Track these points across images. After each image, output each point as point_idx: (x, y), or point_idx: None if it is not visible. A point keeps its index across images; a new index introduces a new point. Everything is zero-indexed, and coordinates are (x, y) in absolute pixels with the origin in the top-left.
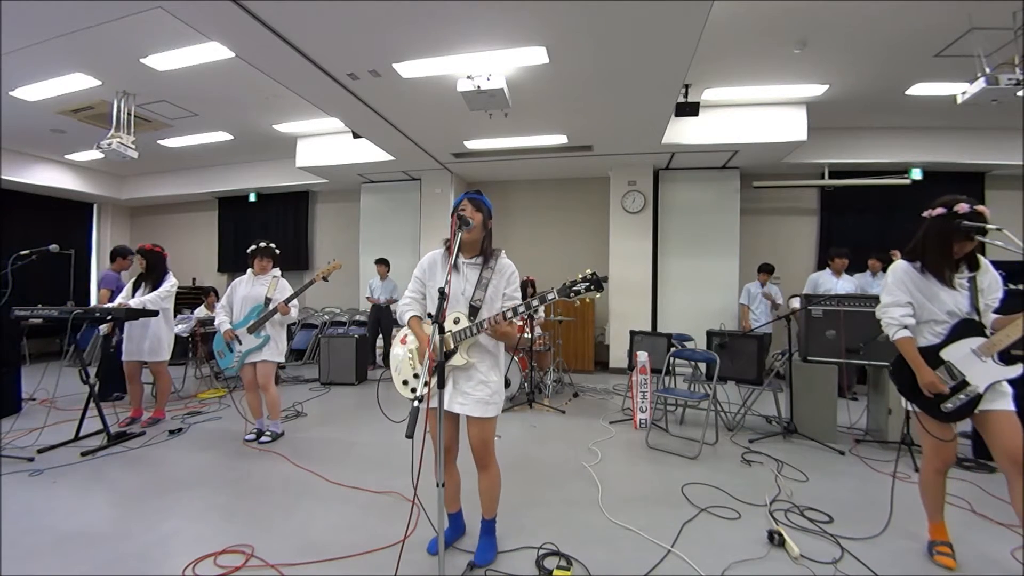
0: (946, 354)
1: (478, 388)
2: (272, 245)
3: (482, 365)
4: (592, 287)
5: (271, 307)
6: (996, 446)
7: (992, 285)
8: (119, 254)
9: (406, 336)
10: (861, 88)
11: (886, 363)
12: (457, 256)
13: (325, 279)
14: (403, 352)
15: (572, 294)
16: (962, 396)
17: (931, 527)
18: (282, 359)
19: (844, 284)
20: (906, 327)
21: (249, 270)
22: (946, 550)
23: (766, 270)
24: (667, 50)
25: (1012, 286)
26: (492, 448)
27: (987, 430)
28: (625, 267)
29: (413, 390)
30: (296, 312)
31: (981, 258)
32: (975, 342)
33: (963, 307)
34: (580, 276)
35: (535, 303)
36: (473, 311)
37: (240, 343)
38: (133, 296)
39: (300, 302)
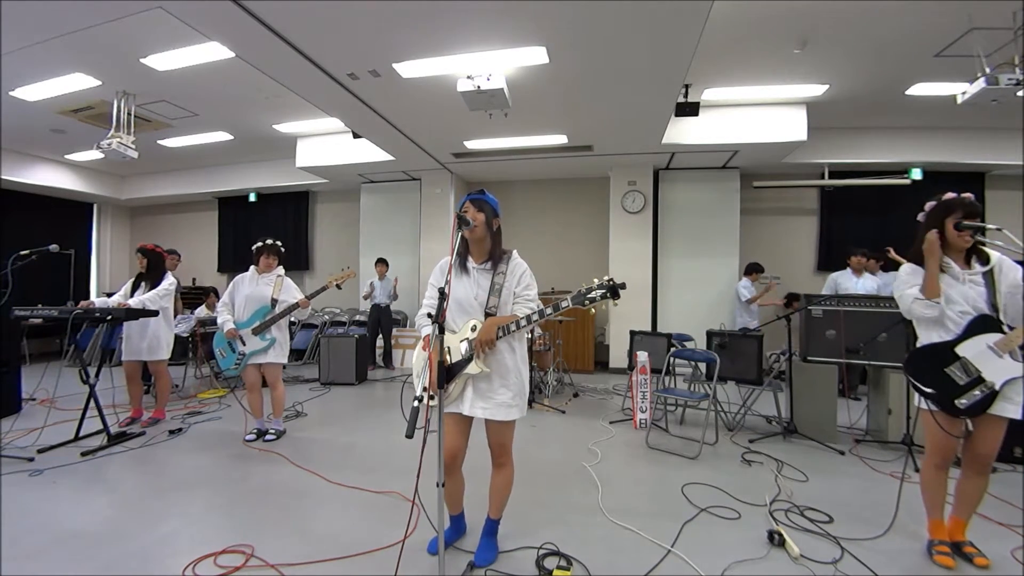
0: (962, 350)
1: (500, 392)
2: (278, 243)
3: (500, 370)
4: (608, 294)
5: (277, 308)
6: (974, 444)
7: (1009, 278)
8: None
9: (426, 344)
10: (861, 88)
11: (886, 363)
12: (467, 260)
13: (338, 287)
14: (424, 359)
15: (587, 302)
16: (977, 392)
17: (930, 524)
18: (286, 360)
19: (865, 283)
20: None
21: (252, 268)
22: (945, 549)
23: (758, 270)
24: (667, 50)
25: None
26: (510, 449)
27: (975, 426)
28: (625, 267)
29: (425, 396)
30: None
31: (991, 251)
32: (991, 338)
33: (977, 303)
34: (596, 282)
35: (549, 311)
36: (488, 318)
37: (243, 343)
38: (132, 296)
39: None
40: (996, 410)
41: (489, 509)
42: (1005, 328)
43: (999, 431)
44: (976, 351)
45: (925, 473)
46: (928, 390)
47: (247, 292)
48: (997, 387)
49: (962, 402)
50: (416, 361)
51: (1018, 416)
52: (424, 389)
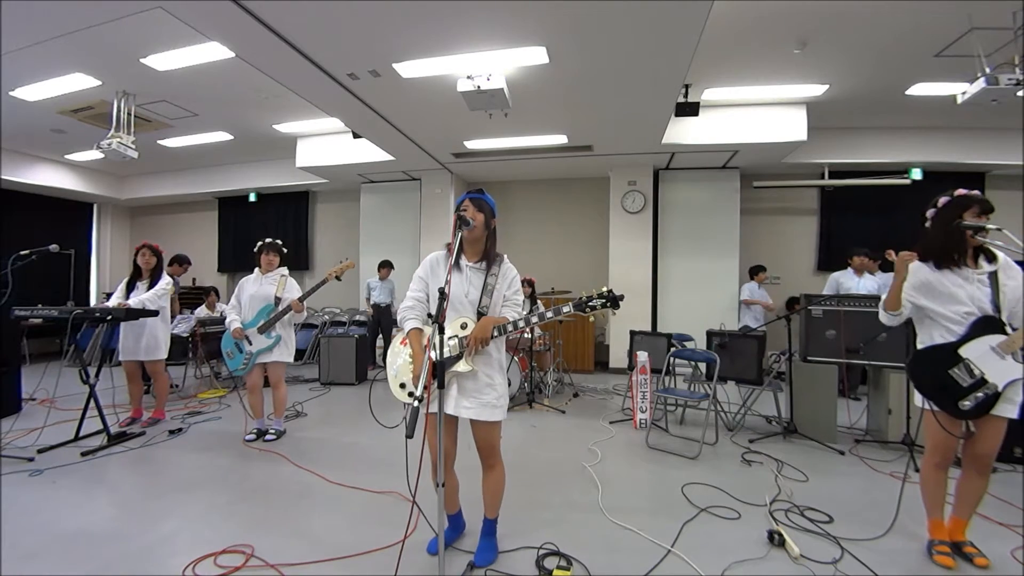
0: (965, 351)
1: (485, 392)
2: (279, 242)
3: (487, 368)
4: (608, 304)
5: (281, 306)
6: (975, 444)
7: (1013, 279)
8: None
9: (406, 339)
10: (861, 88)
11: (886, 363)
12: (460, 257)
13: (338, 278)
14: (403, 356)
15: (587, 309)
16: (980, 394)
17: (930, 524)
18: (291, 359)
19: (866, 283)
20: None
21: (256, 269)
22: (946, 549)
23: (763, 270)
24: (667, 50)
25: None
26: (498, 449)
27: (976, 427)
28: (625, 267)
29: (410, 393)
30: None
31: (998, 252)
32: (995, 339)
33: (983, 303)
34: (596, 292)
35: (549, 314)
36: (480, 317)
37: (250, 343)
38: (128, 296)
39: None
40: (997, 411)
41: (485, 510)
42: (1008, 329)
43: (1000, 431)
44: (979, 352)
45: (925, 472)
46: (931, 393)
47: (251, 292)
48: (1000, 388)
49: (965, 404)
50: (393, 358)
51: (1015, 415)
52: (402, 386)
